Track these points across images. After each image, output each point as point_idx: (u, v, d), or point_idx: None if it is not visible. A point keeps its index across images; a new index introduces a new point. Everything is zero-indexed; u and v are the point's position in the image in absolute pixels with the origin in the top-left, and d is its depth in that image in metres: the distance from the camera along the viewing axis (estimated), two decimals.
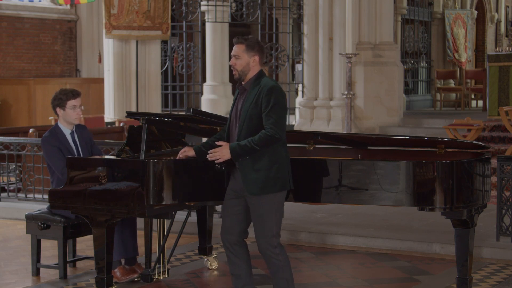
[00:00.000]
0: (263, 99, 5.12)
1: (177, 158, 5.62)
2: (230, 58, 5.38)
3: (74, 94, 6.35)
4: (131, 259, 6.43)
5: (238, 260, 5.39)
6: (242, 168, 5.19)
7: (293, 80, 18.17)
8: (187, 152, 5.58)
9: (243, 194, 5.26)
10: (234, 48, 5.27)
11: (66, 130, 6.39)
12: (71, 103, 6.31)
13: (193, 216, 7.00)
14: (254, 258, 5.70)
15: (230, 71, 5.45)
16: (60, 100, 6.33)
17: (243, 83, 5.29)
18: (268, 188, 5.17)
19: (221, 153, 5.17)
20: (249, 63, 5.23)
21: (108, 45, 13.91)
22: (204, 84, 16.84)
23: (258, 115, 5.14)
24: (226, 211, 5.42)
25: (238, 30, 18.98)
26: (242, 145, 5.11)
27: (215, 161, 5.24)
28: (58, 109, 6.36)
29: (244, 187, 5.20)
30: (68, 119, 6.36)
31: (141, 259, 6.52)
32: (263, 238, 5.20)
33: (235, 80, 5.41)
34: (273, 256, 5.22)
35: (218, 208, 8.14)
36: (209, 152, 5.25)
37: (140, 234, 6.54)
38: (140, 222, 6.60)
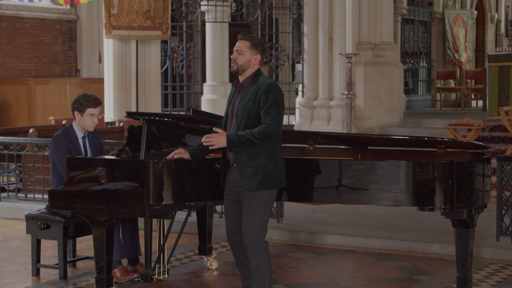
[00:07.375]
0: (262, 96, 5.13)
1: (168, 158, 5.57)
2: (230, 59, 5.37)
3: (96, 103, 6.32)
4: (134, 259, 6.45)
5: (244, 259, 5.40)
6: (240, 165, 5.18)
7: (293, 80, 18.17)
8: (182, 154, 5.52)
9: (238, 192, 5.27)
10: (238, 43, 5.27)
11: (79, 133, 6.40)
12: (90, 111, 6.31)
13: (193, 216, 6.99)
14: None
15: (230, 71, 5.40)
16: (80, 104, 6.31)
17: (240, 80, 5.29)
18: (266, 184, 5.17)
19: (217, 139, 5.15)
20: (250, 60, 5.24)
21: (108, 45, 13.91)
22: (204, 84, 16.84)
23: (256, 112, 5.16)
24: (226, 212, 5.45)
25: (238, 30, 18.94)
26: (239, 135, 5.10)
27: (209, 147, 5.22)
28: (76, 113, 6.34)
29: (242, 183, 5.20)
30: (83, 125, 6.36)
31: (141, 259, 6.52)
32: (251, 231, 5.18)
33: (234, 79, 5.40)
34: (258, 251, 5.19)
35: (218, 208, 8.15)
36: (204, 136, 5.20)
37: (140, 234, 6.55)
38: (140, 222, 6.60)
